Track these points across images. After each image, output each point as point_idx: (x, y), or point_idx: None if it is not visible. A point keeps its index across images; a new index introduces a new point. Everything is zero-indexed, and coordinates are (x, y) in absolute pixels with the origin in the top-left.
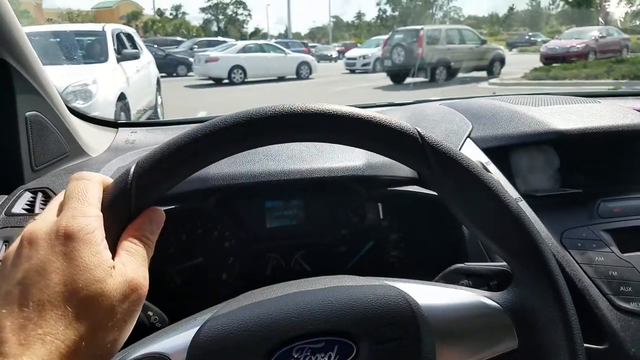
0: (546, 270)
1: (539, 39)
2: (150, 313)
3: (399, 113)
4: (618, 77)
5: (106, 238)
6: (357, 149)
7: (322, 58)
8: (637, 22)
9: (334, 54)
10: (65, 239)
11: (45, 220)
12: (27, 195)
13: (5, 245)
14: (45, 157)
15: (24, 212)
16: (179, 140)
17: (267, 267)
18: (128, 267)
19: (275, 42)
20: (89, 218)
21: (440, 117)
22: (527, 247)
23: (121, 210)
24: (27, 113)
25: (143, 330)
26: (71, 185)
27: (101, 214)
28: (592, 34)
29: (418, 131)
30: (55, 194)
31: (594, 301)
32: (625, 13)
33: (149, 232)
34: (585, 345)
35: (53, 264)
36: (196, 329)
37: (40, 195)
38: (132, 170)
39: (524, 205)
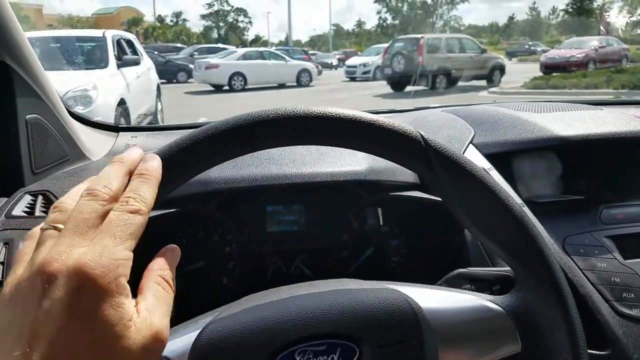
0: (549, 274)
1: (538, 49)
2: None
3: (401, 119)
4: (618, 87)
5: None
6: (359, 154)
7: (322, 66)
8: (638, 31)
9: (334, 62)
10: (85, 282)
11: (68, 249)
12: (27, 198)
13: (5, 247)
14: (46, 160)
15: (24, 214)
16: (180, 142)
17: (268, 271)
18: (155, 317)
19: (276, 50)
20: (117, 261)
21: (442, 123)
22: (531, 250)
23: None
24: (28, 116)
25: None
26: (115, 214)
27: (132, 255)
28: (592, 43)
29: (421, 134)
30: (56, 197)
31: (596, 307)
32: (626, 23)
33: (173, 272)
34: (588, 351)
35: (78, 306)
36: (197, 332)
37: (40, 198)
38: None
39: (526, 212)
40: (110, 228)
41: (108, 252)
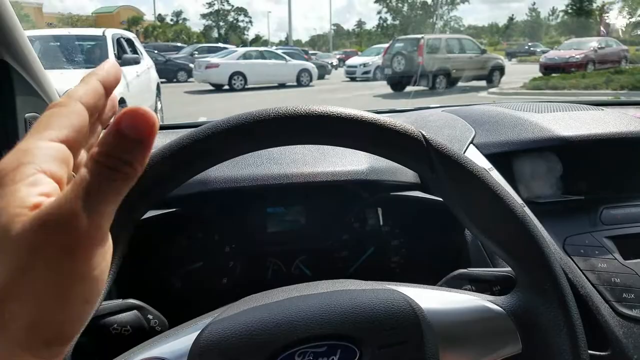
0: (550, 274)
1: (538, 49)
2: (151, 317)
3: (401, 119)
4: (617, 88)
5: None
6: (360, 153)
7: (319, 69)
8: (638, 32)
9: (335, 62)
10: None
11: None
12: None
13: None
14: None
15: None
16: (180, 140)
17: (268, 271)
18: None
19: (276, 49)
20: (22, 153)
21: (443, 123)
22: (531, 251)
23: (120, 214)
24: (27, 114)
25: (143, 334)
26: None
27: (56, 145)
28: (591, 44)
29: (422, 134)
30: None
31: (596, 308)
32: (626, 24)
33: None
34: (588, 352)
35: None
36: (197, 333)
37: None
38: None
39: (527, 212)
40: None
41: (18, 147)
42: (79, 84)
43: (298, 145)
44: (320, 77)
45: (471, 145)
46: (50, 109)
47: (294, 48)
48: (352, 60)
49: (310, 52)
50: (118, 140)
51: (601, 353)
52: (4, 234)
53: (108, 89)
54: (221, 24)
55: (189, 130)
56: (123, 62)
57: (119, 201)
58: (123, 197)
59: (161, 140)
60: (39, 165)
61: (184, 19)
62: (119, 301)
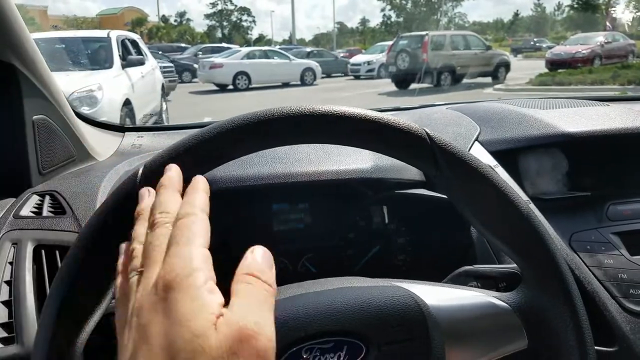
0: (556, 270)
1: (544, 45)
2: None
3: (406, 117)
4: (624, 83)
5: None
6: (364, 152)
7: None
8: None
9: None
10: (164, 291)
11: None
12: (35, 199)
13: (14, 247)
14: (53, 161)
15: (32, 215)
16: (186, 141)
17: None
18: (236, 313)
19: (280, 49)
20: (189, 260)
21: (448, 120)
22: (537, 247)
23: (128, 214)
24: (35, 117)
25: None
26: (175, 228)
27: (207, 252)
28: (598, 39)
29: (426, 132)
30: (63, 197)
31: (603, 304)
32: (632, 18)
33: (267, 266)
34: (595, 348)
35: (154, 326)
36: None
37: (47, 198)
38: (139, 172)
39: (532, 209)
40: (174, 239)
41: (178, 255)
42: (193, 192)
43: (302, 145)
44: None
45: (476, 142)
46: (184, 219)
47: (297, 47)
48: (356, 59)
49: (314, 50)
50: (270, 267)
51: (608, 349)
52: (204, 341)
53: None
54: (225, 24)
55: (197, 130)
56: (128, 63)
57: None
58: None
59: (167, 141)
60: (207, 273)
61: (188, 20)
62: None
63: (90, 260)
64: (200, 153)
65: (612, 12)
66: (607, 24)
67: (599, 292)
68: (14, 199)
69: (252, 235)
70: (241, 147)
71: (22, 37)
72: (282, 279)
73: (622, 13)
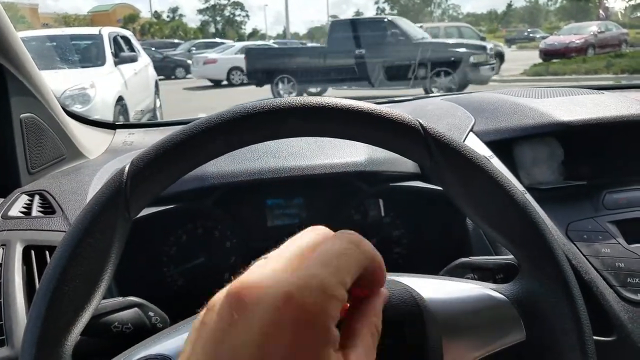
0: (553, 260)
1: (537, 35)
2: (152, 314)
3: (400, 109)
4: (618, 72)
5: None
6: (358, 144)
7: None
8: (638, 15)
9: None
10: (294, 312)
11: (272, 274)
12: (24, 198)
13: (2, 248)
14: (42, 160)
15: (21, 215)
16: (174, 136)
17: None
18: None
19: (274, 43)
20: (329, 295)
21: (442, 112)
22: (534, 238)
23: (115, 212)
24: (22, 115)
25: (144, 332)
26: (336, 241)
27: (346, 296)
28: (591, 29)
29: (420, 122)
30: (53, 197)
31: (600, 293)
32: (625, 7)
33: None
34: (593, 337)
35: (272, 348)
36: None
37: (37, 197)
38: (126, 169)
39: (528, 199)
40: (328, 254)
41: (318, 281)
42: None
43: (295, 139)
44: None
45: (471, 133)
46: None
47: (291, 41)
48: None
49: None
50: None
51: (606, 338)
52: None
53: None
54: (218, 19)
55: (183, 126)
56: (120, 60)
57: None
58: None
59: (160, 138)
60: (335, 321)
61: (181, 15)
62: (120, 299)
63: (79, 259)
64: (188, 148)
65: (604, 1)
66: (600, 12)
67: (597, 282)
68: (3, 199)
69: (246, 232)
70: (230, 142)
71: (8, 34)
72: None
73: (615, 2)
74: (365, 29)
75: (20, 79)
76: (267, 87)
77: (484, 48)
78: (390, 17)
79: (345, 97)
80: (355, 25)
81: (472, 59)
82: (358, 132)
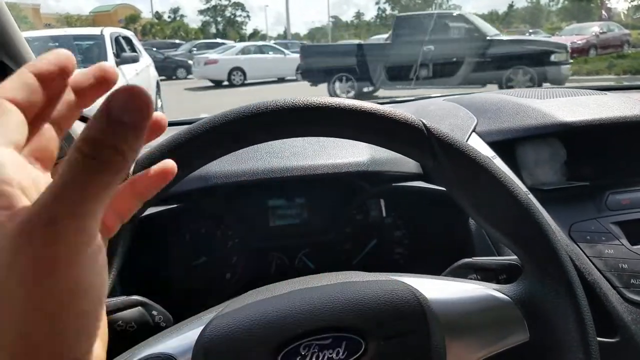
0: (557, 261)
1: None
2: (155, 313)
3: (402, 109)
4: (619, 73)
5: None
6: (360, 144)
7: None
8: None
9: None
10: None
11: None
12: None
13: None
14: None
15: None
16: (179, 136)
17: (271, 265)
18: None
19: (275, 44)
20: None
21: (445, 112)
22: (537, 238)
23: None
24: None
25: (148, 330)
26: None
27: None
28: (593, 29)
29: (423, 123)
30: None
31: (604, 294)
32: (628, 7)
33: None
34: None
35: None
36: (201, 328)
37: None
38: (131, 169)
39: (532, 199)
40: None
41: None
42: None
43: (297, 139)
44: None
45: (473, 133)
46: None
47: (292, 42)
48: None
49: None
50: (107, 125)
51: (610, 340)
52: None
53: (45, 79)
54: (219, 19)
55: (187, 126)
56: (122, 60)
57: (109, 197)
58: (113, 192)
59: (161, 137)
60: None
61: (182, 16)
62: (123, 298)
63: None
64: (192, 149)
65: (607, 1)
66: (603, 13)
67: (600, 283)
68: None
69: (248, 232)
70: (234, 142)
71: (11, 33)
72: (279, 274)
73: (617, 2)
74: (434, 24)
75: None
76: (264, 86)
77: (564, 47)
78: (460, 12)
79: (419, 97)
80: (423, 20)
81: (553, 57)
82: (361, 132)
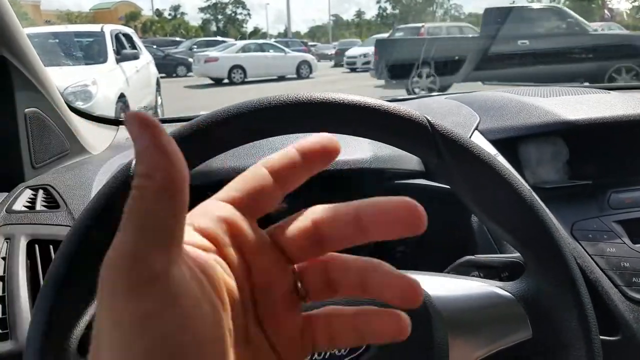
0: (560, 259)
1: None
2: None
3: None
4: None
5: None
6: (363, 141)
7: (322, 57)
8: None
9: (332, 52)
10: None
11: None
12: (28, 193)
13: (7, 242)
14: (46, 154)
15: (25, 209)
16: (179, 131)
17: None
18: None
19: (275, 42)
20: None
21: (447, 110)
22: (540, 235)
23: (121, 207)
24: (27, 110)
25: None
26: None
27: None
28: (468, 36)
29: (427, 119)
30: (57, 191)
31: (606, 292)
32: (631, 7)
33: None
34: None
35: None
36: None
37: (41, 192)
38: (132, 164)
39: (535, 197)
40: None
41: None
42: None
43: (299, 135)
44: None
45: (476, 131)
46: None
47: (292, 40)
48: (353, 51)
49: (309, 43)
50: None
51: (611, 338)
52: None
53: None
54: (219, 17)
55: (188, 122)
56: (122, 57)
57: (154, 224)
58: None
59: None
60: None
61: (182, 13)
62: None
63: (84, 252)
64: (193, 144)
65: (608, 2)
66: (605, 13)
67: (602, 281)
68: (7, 194)
69: None
70: (234, 138)
71: (13, 28)
72: None
73: (619, 2)
74: (529, 17)
75: (25, 73)
76: (264, 84)
77: None
78: (558, 5)
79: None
80: (517, 13)
81: None
82: (365, 128)
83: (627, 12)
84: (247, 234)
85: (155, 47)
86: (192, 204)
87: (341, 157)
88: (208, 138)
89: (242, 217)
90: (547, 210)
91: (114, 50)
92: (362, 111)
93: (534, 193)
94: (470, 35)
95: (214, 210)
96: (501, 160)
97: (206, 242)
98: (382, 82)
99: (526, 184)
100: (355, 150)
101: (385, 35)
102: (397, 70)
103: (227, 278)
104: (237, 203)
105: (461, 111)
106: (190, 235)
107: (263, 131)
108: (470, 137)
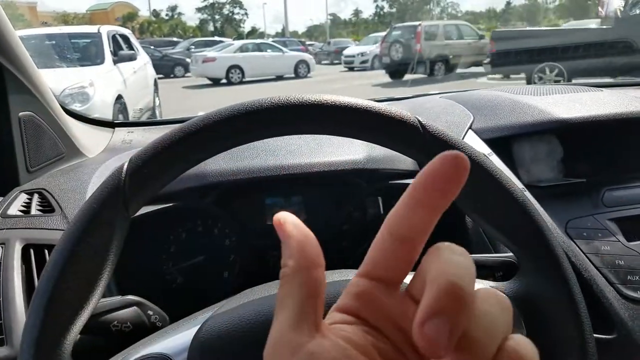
0: (553, 258)
1: None
2: (151, 313)
3: (399, 107)
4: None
5: None
6: (357, 142)
7: (321, 56)
8: (637, 12)
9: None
10: None
11: None
12: (23, 197)
13: (2, 247)
14: (41, 158)
15: (20, 213)
16: (173, 133)
17: (269, 264)
18: None
19: (273, 41)
20: None
21: (441, 109)
22: (533, 235)
23: (114, 210)
24: (21, 113)
25: (144, 330)
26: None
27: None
28: (590, 27)
29: (418, 120)
30: (52, 195)
31: (600, 291)
32: (625, 3)
33: None
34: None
35: None
36: (197, 328)
37: (36, 196)
38: (125, 167)
39: (527, 196)
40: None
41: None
42: None
43: (294, 136)
44: None
45: (470, 130)
46: None
47: (290, 39)
48: (350, 50)
49: (307, 42)
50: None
51: (607, 336)
52: None
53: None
54: (217, 17)
55: (182, 124)
56: (119, 59)
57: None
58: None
59: (157, 136)
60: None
61: (179, 14)
62: (119, 298)
63: (78, 256)
64: (186, 146)
65: None
66: (600, 10)
67: (597, 279)
68: (2, 198)
69: (245, 230)
70: (229, 139)
71: (6, 32)
72: (276, 273)
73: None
74: None
75: (18, 77)
76: (262, 84)
77: None
78: None
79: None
80: None
81: None
82: (357, 130)
83: (621, 9)
84: (384, 301)
85: (152, 47)
86: (188, 203)
87: (335, 157)
88: (202, 141)
89: (377, 284)
90: (540, 210)
91: (111, 51)
92: (354, 113)
93: (526, 192)
94: (602, 27)
95: (350, 288)
96: (495, 159)
97: (347, 317)
98: (379, 80)
99: (519, 183)
100: (349, 151)
101: (382, 34)
102: (513, 63)
103: (375, 341)
104: (371, 275)
105: (455, 110)
106: (332, 316)
107: (255, 134)
108: (464, 136)
